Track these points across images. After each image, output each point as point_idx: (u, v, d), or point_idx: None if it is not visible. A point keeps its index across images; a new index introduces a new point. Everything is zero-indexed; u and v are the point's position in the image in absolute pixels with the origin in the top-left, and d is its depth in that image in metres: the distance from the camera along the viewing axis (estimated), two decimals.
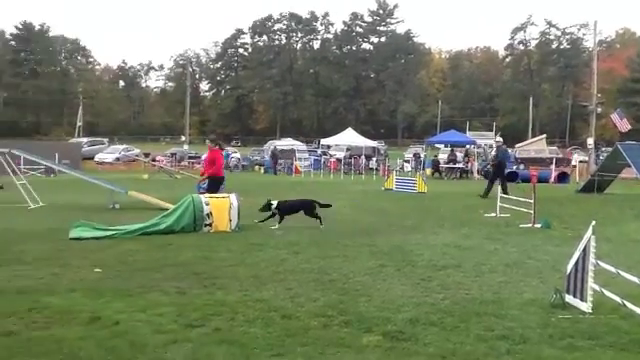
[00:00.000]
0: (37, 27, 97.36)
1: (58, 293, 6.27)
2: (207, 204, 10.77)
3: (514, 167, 32.76)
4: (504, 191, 16.44)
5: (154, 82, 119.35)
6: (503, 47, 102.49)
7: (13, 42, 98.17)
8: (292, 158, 39.45)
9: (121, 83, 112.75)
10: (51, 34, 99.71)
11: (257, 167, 41.51)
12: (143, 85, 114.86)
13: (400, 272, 7.57)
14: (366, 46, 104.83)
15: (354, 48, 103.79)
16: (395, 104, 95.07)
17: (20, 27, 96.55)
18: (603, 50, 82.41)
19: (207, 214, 10.66)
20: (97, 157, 48.74)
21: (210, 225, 10.62)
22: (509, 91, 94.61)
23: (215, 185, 13.12)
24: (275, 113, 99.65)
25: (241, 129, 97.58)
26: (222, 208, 10.80)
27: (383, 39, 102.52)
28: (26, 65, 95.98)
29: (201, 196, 11.33)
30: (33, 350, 4.57)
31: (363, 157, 40.37)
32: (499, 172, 18.76)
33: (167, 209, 11.74)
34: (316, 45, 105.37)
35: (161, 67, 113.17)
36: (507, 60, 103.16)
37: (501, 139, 21.29)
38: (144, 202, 14.73)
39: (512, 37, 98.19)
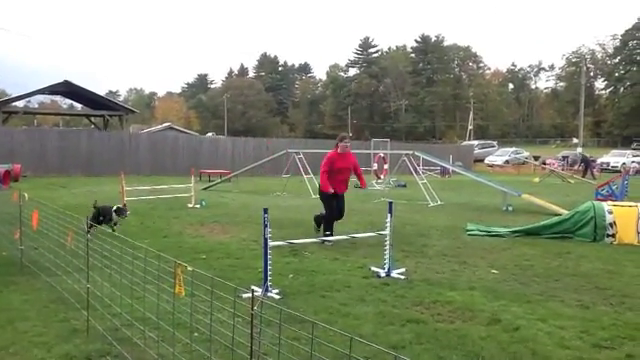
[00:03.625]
0: (433, 38, 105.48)
1: (459, 289, 6.50)
2: (610, 212, 9.78)
3: None
4: None
5: (544, 83, 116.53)
6: None
7: (413, 54, 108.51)
8: None
9: (510, 86, 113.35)
10: (445, 44, 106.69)
11: None
12: (532, 87, 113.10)
13: None
14: None
15: None
16: None
17: (419, 40, 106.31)
18: None
19: (610, 223, 9.68)
20: (487, 159, 49.94)
21: (613, 236, 9.62)
22: None
23: None
24: None
25: None
26: (628, 217, 9.66)
27: None
28: (424, 74, 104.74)
29: (604, 204, 10.36)
30: (439, 340, 4.80)
31: None
32: None
33: (561, 214, 11.13)
34: None
35: (552, 67, 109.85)
36: None
37: None
38: (538, 206, 14.33)
39: None
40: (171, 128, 53.33)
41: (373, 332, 4.95)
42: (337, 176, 9.47)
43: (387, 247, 7.18)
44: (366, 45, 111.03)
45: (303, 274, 7.13)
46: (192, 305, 3.86)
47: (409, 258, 8.26)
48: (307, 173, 19.49)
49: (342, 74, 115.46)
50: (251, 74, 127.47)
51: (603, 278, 7.18)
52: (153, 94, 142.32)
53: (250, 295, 2.97)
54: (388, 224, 7.21)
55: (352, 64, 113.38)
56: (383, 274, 7.10)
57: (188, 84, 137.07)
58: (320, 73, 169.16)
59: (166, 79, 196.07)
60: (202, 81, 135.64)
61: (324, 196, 9.50)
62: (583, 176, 32.21)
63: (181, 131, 50.32)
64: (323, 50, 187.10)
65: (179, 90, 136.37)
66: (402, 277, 7.02)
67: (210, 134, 65.21)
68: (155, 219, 12.05)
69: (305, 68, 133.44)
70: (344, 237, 8.10)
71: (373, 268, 7.37)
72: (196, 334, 4.53)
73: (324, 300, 5.99)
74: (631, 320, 5.45)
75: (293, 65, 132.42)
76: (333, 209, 9.48)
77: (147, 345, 4.28)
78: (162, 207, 14.19)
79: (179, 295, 3.64)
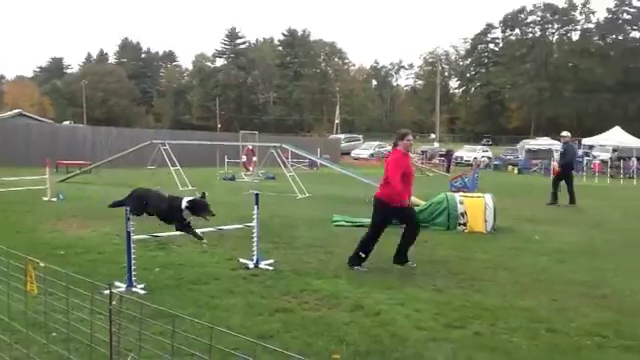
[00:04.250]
0: (300, 32, 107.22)
1: (325, 278, 6.71)
2: (461, 203, 10.59)
3: None
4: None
5: (404, 81, 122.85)
6: None
7: (280, 47, 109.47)
8: (549, 158, 36.89)
9: (373, 82, 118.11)
10: (312, 38, 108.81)
11: (510, 167, 39.82)
12: (394, 84, 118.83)
13: None
14: (635, 34, 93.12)
15: (620, 38, 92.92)
16: None
17: (286, 34, 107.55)
18: None
19: (461, 213, 10.48)
20: (353, 153, 51.67)
21: (465, 225, 10.42)
22: None
23: None
24: (529, 110, 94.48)
25: (492, 127, 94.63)
26: (477, 208, 10.51)
27: None
28: (291, 67, 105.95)
29: (455, 195, 11.19)
30: (306, 328, 4.93)
31: (634, 159, 35.97)
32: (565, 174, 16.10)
33: (419, 205, 11.83)
34: (575, 36, 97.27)
35: (411, 66, 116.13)
36: None
37: (568, 133, 16.39)
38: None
39: None
40: (22, 115, 49.32)
41: (242, 323, 4.98)
42: (406, 182, 7.44)
43: (255, 238, 7.23)
44: (233, 36, 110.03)
45: (170, 268, 6.97)
46: (47, 303, 3.63)
47: (278, 249, 8.37)
48: (174, 165, 18.98)
49: (209, 64, 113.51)
50: (112, 60, 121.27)
51: (456, 264, 7.77)
52: (1, 77, 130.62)
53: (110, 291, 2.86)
54: (255, 216, 7.25)
55: (219, 54, 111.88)
56: (252, 265, 7.14)
57: (41, 68, 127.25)
58: (186, 62, 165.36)
59: (16, 61, 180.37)
60: (57, 65, 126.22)
61: (389, 209, 7.47)
62: (447, 170, 34.40)
63: (34, 118, 46.69)
64: (189, 38, 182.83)
65: (31, 74, 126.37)
66: (271, 268, 7.10)
67: (67, 122, 61.23)
68: (6, 214, 11.14)
69: (170, 56, 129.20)
70: (212, 229, 8.02)
71: (241, 260, 7.38)
72: (54, 334, 4.27)
73: (192, 293, 5.91)
74: (479, 301, 5.96)
75: (157, 52, 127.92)
76: (380, 228, 7.60)
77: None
78: (14, 201, 13.14)
79: (31, 293, 3.42)
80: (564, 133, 16.33)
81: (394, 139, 7.80)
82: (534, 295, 6.27)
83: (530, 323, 5.29)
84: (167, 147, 19.71)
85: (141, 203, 6.89)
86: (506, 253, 8.60)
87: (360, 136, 65.71)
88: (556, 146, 45.03)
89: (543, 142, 47.17)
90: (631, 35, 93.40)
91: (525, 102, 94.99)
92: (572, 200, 15.77)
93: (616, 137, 42.77)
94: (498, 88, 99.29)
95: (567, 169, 16.19)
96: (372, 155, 50.43)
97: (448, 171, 34.28)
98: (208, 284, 6.28)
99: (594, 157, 38.87)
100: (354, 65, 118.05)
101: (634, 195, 20.70)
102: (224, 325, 4.71)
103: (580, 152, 43.66)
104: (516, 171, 37.84)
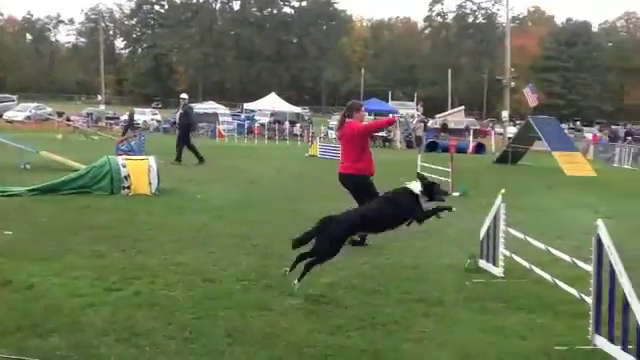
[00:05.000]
0: None
1: None
2: (124, 166, 10.43)
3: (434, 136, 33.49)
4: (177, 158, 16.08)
5: (65, 37, 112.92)
6: (422, 19, 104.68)
7: None
8: (215, 122, 38.75)
9: (28, 37, 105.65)
10: None
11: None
12: (53, 39, 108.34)
13: None
14: (287, 10, 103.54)
15: (275, 11, 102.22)
16: (318, 70, 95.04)
17: None
18: (516, 27, 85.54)
19: (125, 176, 10.32)
20: (6, 115, 45.87)
21: (129, 188, 10.31)
22: (429, 63, 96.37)
23: None
24: (196, 74, 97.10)
25: (162, 90, 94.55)
26: (141, 170, 10.49)
27: (304, 3, 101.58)
28: None
29: (118, 158, 10.95)
30: None
31: (287, 123, 40.27)
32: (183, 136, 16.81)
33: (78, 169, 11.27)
34: (236, 6, 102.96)
35: (71, 21, 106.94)
36: (426, 32, 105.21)
37: (186, 96, 17.66)
38: (57, 163, 14.05)
39: (430, 9, 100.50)
40: None
41: None
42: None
43: None
44: None
45: None
46: None
47: None
48: None
49: None
50: None
51: (118, 227, 7.66)
52: None
53: None
54: None
55: None
56: None
57: None
58: None
59: None
60: None
61: (370, 181, 7.36)
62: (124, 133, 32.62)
63: None
64: None
65: None
66: None
67: None
68: None
69: None
70: None
71: None
72: None
73: None
74: (139, 262, 6.03)
75: None
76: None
77: None
78: None
79: None
80: (183, 95, 16.69)
81: (346, 111, 7.61)
82: (193, 251, 6.61)
83: (188, 276, 5.58)
84: None
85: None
86: (169, 213, 8.84)
87: (14, 96, 58.65)
88: (221, 110, 47.66)
89: (209, 106, 49.21)
90: (283, 10, 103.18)
91: (191, 66, 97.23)
92: (178, 158, 16.30)
93: (273, 103, 47.18)
94: (165, 51, 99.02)
95: (186, 130, 16.69)
96: (29, 117, 45.59)
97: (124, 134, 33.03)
98: None
99: (255, 120, 42.15)
100: (2, 15, 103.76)
101: (287, 155, 23.24)
102: None
103: (242, 116, 47.04)
104: None
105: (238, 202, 10.18)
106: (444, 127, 39.03)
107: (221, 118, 41.24)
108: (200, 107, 46.87)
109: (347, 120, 7.46)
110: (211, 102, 55.10)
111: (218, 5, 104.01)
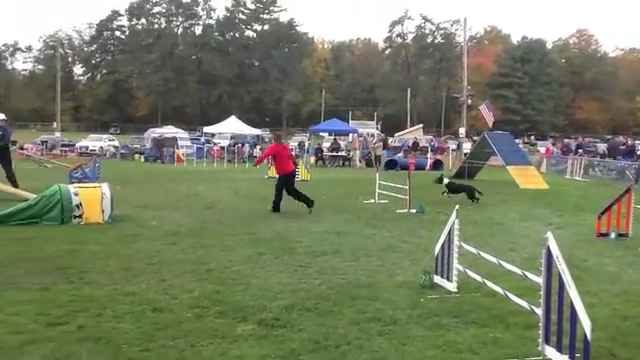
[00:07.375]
0: None
1: None
2: (76, 194, 10.11)
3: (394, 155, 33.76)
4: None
5: (21, 64, 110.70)
6: (382, 39, 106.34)
7: None
8: (174, 146, 38.29)
9: None
10: None
11: (137, 156, 39.85)
12: (9, 67, 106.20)
13: (279, 259, 7.57)
14: (249, 34, 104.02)
15: (237, 35, 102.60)
16: (279, 92, 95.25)
17: None
18: (473, 45, 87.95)
19: (77, 205, 10.02)
20: None
21: (80, 217, 10.00)
22: (389, 82, 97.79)
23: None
24: (156, 99, 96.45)
25: (120, 116, 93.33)
26: (93, 198, 10.19)
27: (266, 27, 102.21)
28: None
29: (70, 186, 10.65)
30: None
31: (247, 145, 40.09)
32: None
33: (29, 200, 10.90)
34: (198, 31, 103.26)
35: (29, 48, 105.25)
36: (386, 52, 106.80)
37: (4, 116, 15.11)
38: (7, 193, 13.58)
39: (390, 30, 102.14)
40: None
41: None
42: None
43: None
44: None
45: None
46: None
47: None
48: None
49: None
50: None
51: (66, 258, 7.39)
52: None
53: None
54: None
55: None
56: None
57: None
58: None
59: None
60: None
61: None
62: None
63: None
64: None
65: None
66: None
67: None
68: None
69: None
70: None
71: None
72: None
73: None
74: (87, 294, 5.82)
75: None
76: None
77: None
78: None
79: None
80: (1, 116, 14.66)
81: (274, 138, 13.90)
82: (144, 279, 6.42)
83: (137, 307, 5.40)
84: None
85: None
86: (121, 241, 8.59)
87: None
88: (180, 134, 47.21)
89: (169, 130, 48.71)
90: (245, 34, 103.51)
91: (152, 91, 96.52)
92: (14, 183, 14.27)
93: (233, 125, 46.95)
94: (125, 76, 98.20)
95: (3, 151, 14.79)
96: None
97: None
98: None
99: (214, 144, 41.85)
100: None
101: (246, 177, 23.02)
102: None
103: (202, 140, 46.75)
104: (142, 159, 38.10)
105: (193, 227, 9.98)
106: (415, 145, 39.62)
107: (180, 142, 40.77)
108: (159, 132, 46.36)
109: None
110: (170, 126, 54.57)
111: (180, 30, 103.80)
